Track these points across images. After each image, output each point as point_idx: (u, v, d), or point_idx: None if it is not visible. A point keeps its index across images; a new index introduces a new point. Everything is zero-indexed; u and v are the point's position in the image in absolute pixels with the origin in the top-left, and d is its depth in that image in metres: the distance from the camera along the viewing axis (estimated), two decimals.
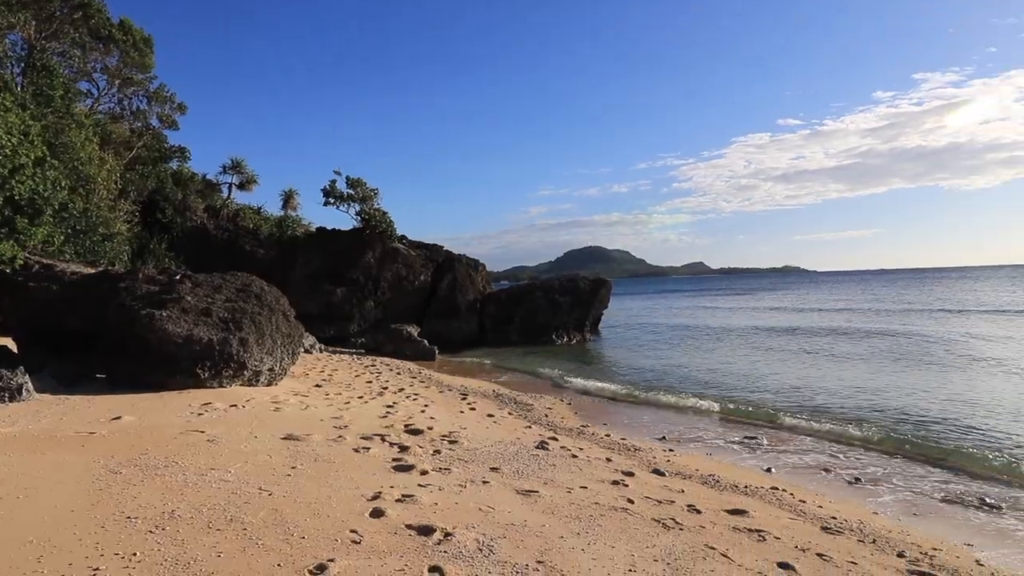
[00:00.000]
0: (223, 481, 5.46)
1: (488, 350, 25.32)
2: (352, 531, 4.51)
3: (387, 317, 26.96)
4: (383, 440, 7.88)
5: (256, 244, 28.57)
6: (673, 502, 6.34)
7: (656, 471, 7.99)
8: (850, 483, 8.42)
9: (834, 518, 6.51)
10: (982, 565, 5.55)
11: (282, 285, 14.56)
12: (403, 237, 29.80)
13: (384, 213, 28.79)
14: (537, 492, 6.07)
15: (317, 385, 13.22)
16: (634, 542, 4.94)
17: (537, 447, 8.47)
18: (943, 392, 14.25)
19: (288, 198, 32.62)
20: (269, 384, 11.71)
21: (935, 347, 22.01)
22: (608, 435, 10.50)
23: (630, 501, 6.12)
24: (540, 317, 28.49)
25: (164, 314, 10.51)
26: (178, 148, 30.73)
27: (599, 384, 16.65)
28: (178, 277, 11.98)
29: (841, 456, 9.72)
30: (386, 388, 13.89)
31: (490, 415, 11.46)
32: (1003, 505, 7.45)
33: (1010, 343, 22.04)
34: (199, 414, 8.54)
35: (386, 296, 27.92)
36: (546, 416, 12.11)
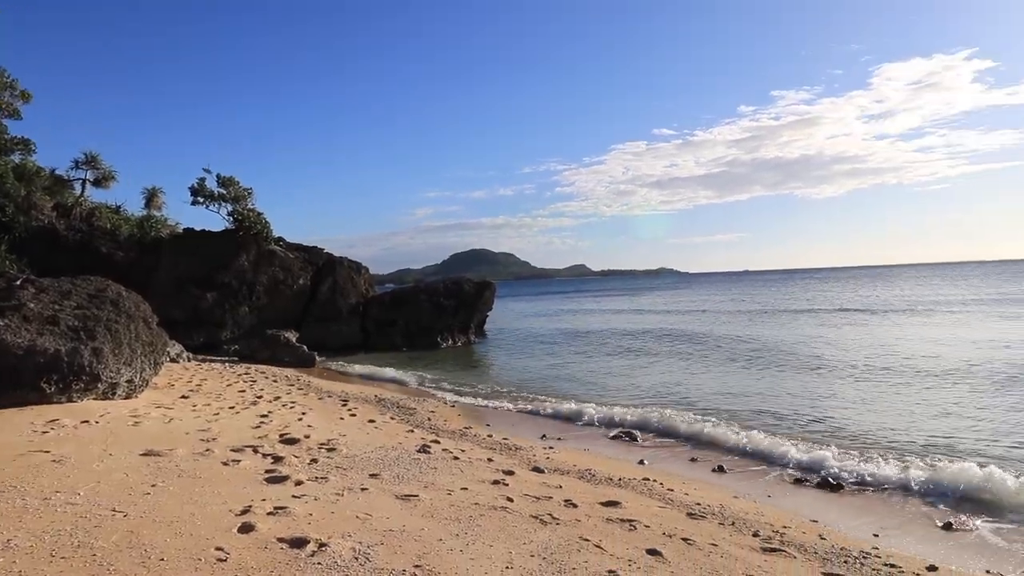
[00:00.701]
0: (70, 504, 4.99)
1: (371, 354, 24.84)
2: (218, 548, 4.27)
3: (263, 322, 25.68)
4: (255, 451, 7.52)
5: (114, 246, 26.19)
6: (551, 498, 6.51)
7: (536, 468, 8.17)
8: (714, 471, 9.02)
9: (698, 504, 6.95)
10: (824, 539, 6.12)
11: (143, 290, 13.55)
12: (280, 239, 28.52)
13: (259, 214, 27.37)
14: (417, 496, 6.03)
15: (183, 396, 12.38)
16: (512, 539, 5.03)
17: (419, 451, 8.41)
18: (794, 389, 15.56)
19: (151, 196, 30.17)
20: (128, 397, 10.84)
21: (789, 347, 23.92)
22: (490, 436, 10.61)
23: (509, 499, 6.22)
24: (424, 320, 28.27)
25: (2, 323, 9.46)
26: (21, 140, 27.52)
27: (482, 386, 16.76)
28: (19, 282, 10.83)
29: (707, 448, 10.38)
30: (260, 397, 13.26)
31: (371, 420, 11.24)
32: (843, 484, 8.26)
33: (850, 344, 24.33)
34: (44, 432, 7.75)
35: (262, 300, 26.59)
36: (429, 420, 12.05)
